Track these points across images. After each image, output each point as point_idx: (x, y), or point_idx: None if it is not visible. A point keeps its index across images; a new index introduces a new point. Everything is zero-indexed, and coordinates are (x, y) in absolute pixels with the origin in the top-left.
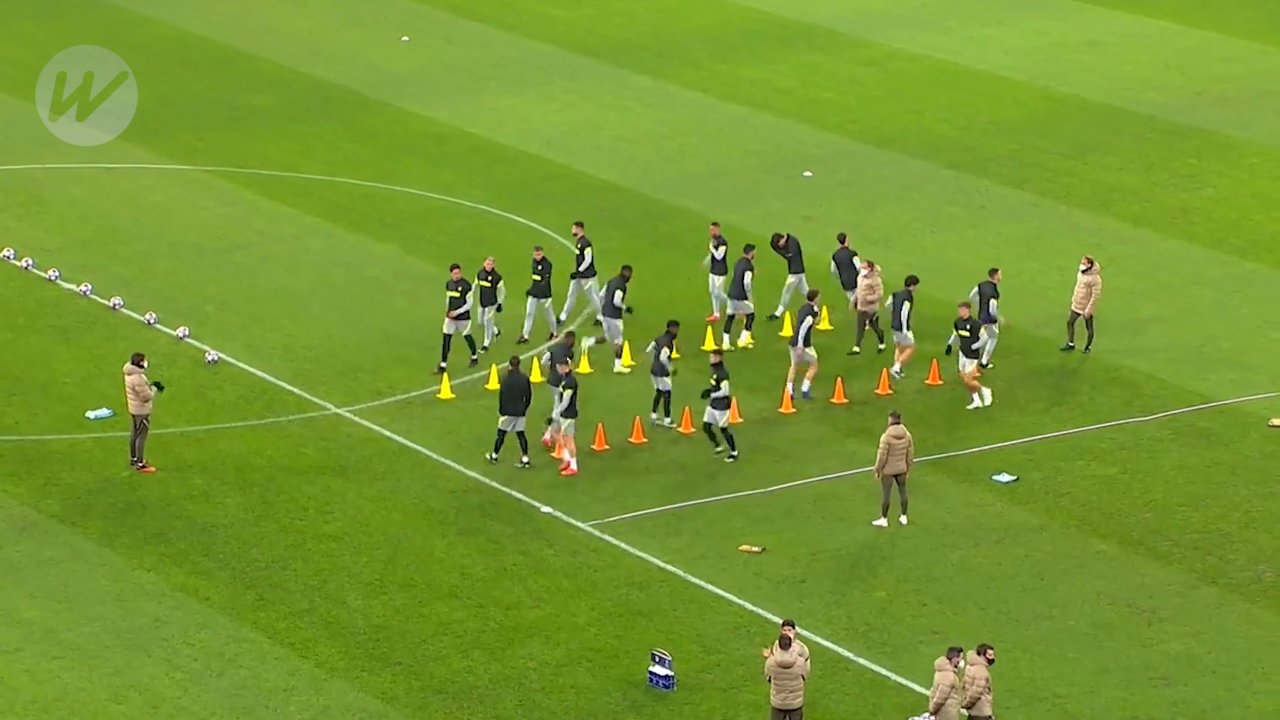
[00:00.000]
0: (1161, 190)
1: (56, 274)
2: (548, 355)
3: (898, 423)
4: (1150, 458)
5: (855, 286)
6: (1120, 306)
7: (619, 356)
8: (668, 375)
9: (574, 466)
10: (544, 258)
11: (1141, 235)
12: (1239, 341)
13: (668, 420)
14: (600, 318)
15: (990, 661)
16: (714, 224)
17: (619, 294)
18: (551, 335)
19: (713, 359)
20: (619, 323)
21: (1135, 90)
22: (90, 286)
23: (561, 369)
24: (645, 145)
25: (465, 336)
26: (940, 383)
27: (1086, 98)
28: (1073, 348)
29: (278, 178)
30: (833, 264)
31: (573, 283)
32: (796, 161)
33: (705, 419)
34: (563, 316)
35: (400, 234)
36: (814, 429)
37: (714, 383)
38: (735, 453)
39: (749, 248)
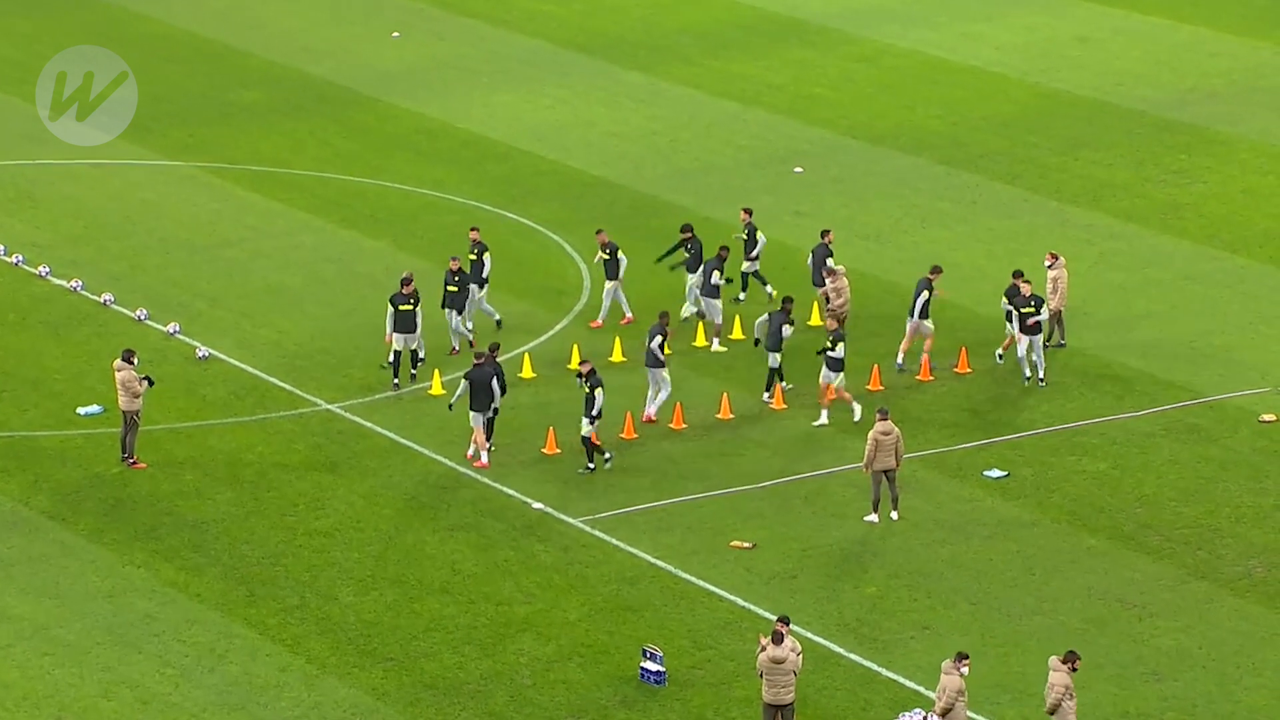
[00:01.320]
0: (1152, 186)
1: (47, 270)
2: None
3: (885, 418)
4: (1141, 453)
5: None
6: (1111, 302)
7: (718, 336)
8: (780, 351)
9: (484, 460)
10: (460, 268)
11: (1132, 231)
12: (1229, 337)
13: (786, 385)
14: (700, 297)
15: (1074, 669)
16: (599, 231)
17: (716, 274)
18: (453, 351)
19: (582, 368)
20: (718, 302)
21: (1126, 86)
22: (81, 282)
23: (478, 361)
24: (637, 141)
25: (395, 353)
26: (931, 379)
27: (1077, 93)
28: (1064, 345)
29: (268, 174)
30: (811, 258)
31: (470, 289)
32: (788, 157)
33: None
34: (498, 321)
35: (391, 230)
36: (805, 424)
37: (588, 392)
38: (592, 465)
39: (825, 232)
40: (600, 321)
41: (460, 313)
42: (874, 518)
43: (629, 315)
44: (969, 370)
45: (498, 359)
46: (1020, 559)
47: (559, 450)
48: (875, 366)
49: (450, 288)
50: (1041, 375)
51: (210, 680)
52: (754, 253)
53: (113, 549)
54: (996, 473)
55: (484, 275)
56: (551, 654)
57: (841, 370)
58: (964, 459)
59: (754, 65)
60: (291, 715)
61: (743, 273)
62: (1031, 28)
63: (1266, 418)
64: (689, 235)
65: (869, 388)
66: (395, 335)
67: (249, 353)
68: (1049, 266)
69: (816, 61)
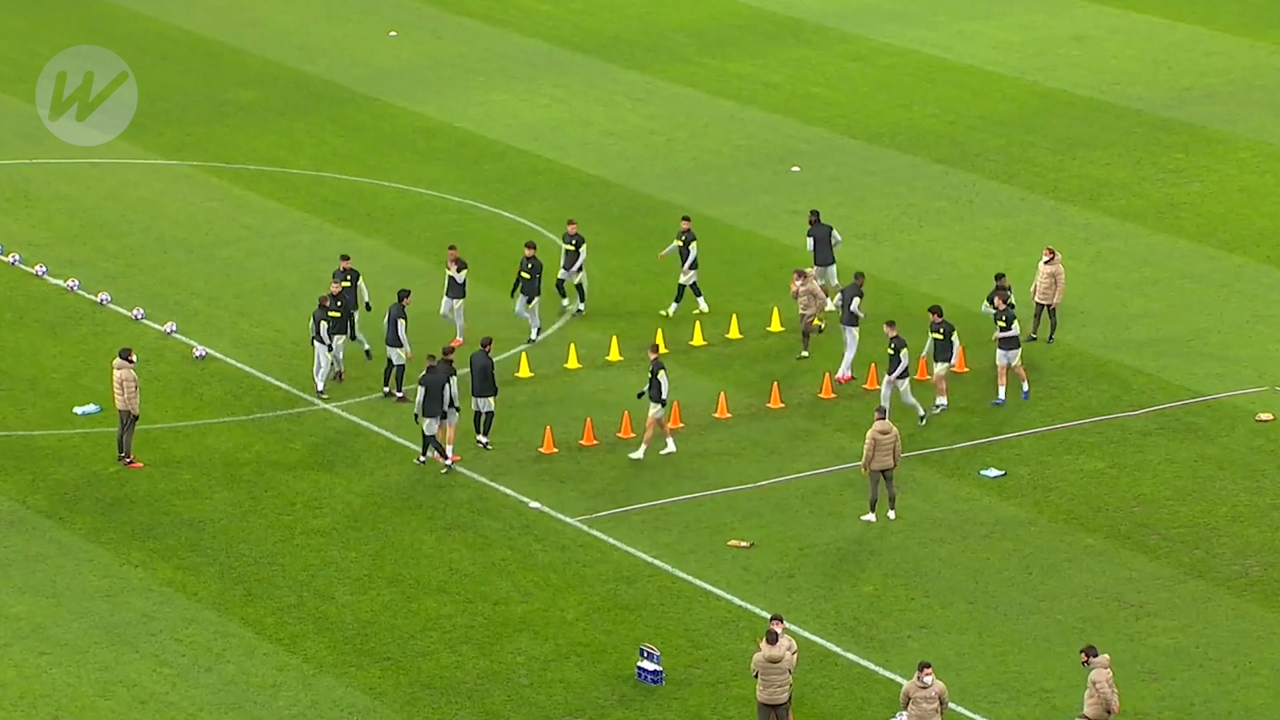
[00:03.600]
0: (1149, 185)
1: (44, 269)
2: (838, 298)
3: (884, 418)
4: (1138, 452)
5: (829, 264)
6: (1108, 301)
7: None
8: (856, 326)
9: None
10: (343, 290)
11: (1129, 230)
12: (1226, 336)
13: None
14: (842, 325)
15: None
16: (451, 247)
17: (856, 300)
18: (338, 378)
19: (430, 362)
20: (856, 330)
21: (1123, 85)
22: (78, 282)
23: (431, 365)
24: (633, 140)
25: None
26: (927, 378)
27: (1074, 93)
28: (1035, 339)
29: (265, 173)
30: (810, 241)
31: (353, 315)
32: (785, 156)
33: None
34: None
35: (388, 229)
36: (802, 424)
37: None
38: (449, 461)
39: (815, 212)
40: (461, 339)
41: (350, 337)
42: (871, 517)
43: (460, 339)
44: (966, 369)
45: (452, 362)
46: (1017, 558)
47: (556, 449)
48: (873, 366)
49: (333, 314)
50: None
51: (207, 679)
52: (576, 265)
53: (110, 548)
54: (994, 472)
55: (365, 300)
56: (549, 653)
57: (662, 402)
58: (961, 458)
59: (751, 64)
60: (288, 714)
61: (558, 280)
62: (1028, 27)
63: (1263, 417)
64: (531, 253)
65: (866, 387)
66: (394, 351)
67: (246, 352)
68: (1046, 262)
69: (813, 60)
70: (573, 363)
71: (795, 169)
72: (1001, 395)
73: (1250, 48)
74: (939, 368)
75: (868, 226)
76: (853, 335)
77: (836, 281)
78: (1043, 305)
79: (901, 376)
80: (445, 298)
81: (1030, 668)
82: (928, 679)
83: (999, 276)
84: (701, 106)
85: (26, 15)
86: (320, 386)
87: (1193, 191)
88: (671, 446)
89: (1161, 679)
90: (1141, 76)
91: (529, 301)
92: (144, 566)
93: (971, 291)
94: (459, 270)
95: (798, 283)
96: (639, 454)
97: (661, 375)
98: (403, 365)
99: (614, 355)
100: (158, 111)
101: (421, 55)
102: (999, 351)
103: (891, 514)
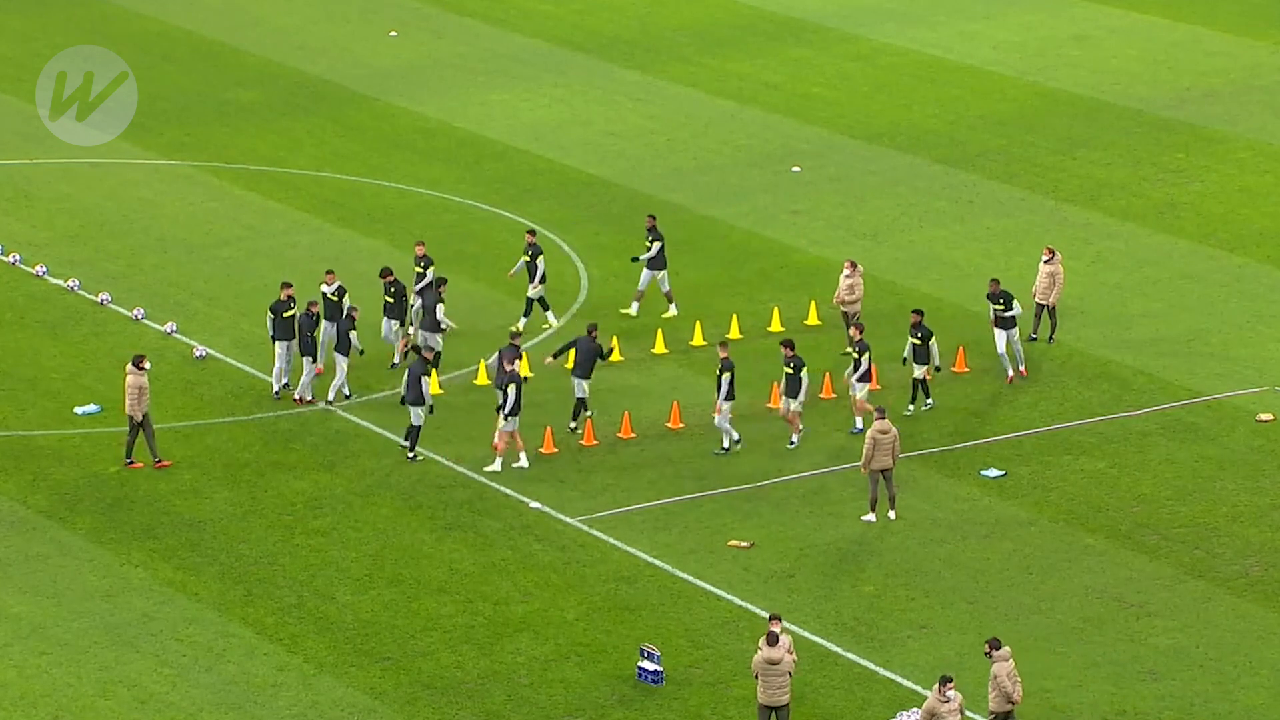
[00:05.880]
0: (1149, 185)
1: (44, 269)
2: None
3: (883, 418)
4: (1138, 452)
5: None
6: (1108, 301)
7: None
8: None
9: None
10: (290, 297)
11: (1129, 230)
12: (1227, 336)
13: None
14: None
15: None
16: (330, 271)
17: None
18: (277, 394)
19: (399, 351)
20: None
21: (1123, 85)
22: (78, 282)
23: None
24: (633, 140)
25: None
26: (928, 378)
27: (1074, 92)
28: (1035, 339)
29: (265, 173)
30: (656, 245)
31: (277, 345)
32: (785, 156)
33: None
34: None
35: (388, 229)
36: (802, 423)
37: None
38: (413, 453)
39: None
40: (320, 367)
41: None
42: (871, 517)
43: (319, 367)
44: (966, 369)
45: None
46: (1018, 558)
47: (556, 449)
48: (873, 366)
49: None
50: (1023, 368)
51: (207, 679)
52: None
53: (110, 548)
54: (994, 472)
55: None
56: (549, 653)
57: (516, 415)
58: (961, 458)
59: (751, 64)
60: (289, 714)
61: (411, 309)
62: (1028, 26)
63: (1263, 417)
64: (391, 279)
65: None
66: (432, 336)
67: (246, 352)
68: (1045, 261)
69: (813, 60)
70: (573, 363)
71: (795, 169)
72: (859, 424)
73: (1250, 48)
74: (918, 370)
75: (868, 226)
76: (1009, 337)
77: (668, 288)
78: (1042, 305)
79: (921, 363)
80: (325, 321)
81: (1030, 667)
82: (950, 693)
83: (917, 312)
84: (701, 106)
85: (26, 15)
86: (333, 396)
87: (1193, 191)
88: (497, 466)
89: (1162, 679)
90: (1141, 76)
91: (399, 324)
92: (144, 566)
93: (972, 292)
94: (340, 296)
95: (846, 271)
96: (523, 462)
97: (511, 389)
98: (438, 353)
99: (614, 355)
100: (158, 111)
101: (421, 55)
102: (854, 383)
103: (892, 514)
